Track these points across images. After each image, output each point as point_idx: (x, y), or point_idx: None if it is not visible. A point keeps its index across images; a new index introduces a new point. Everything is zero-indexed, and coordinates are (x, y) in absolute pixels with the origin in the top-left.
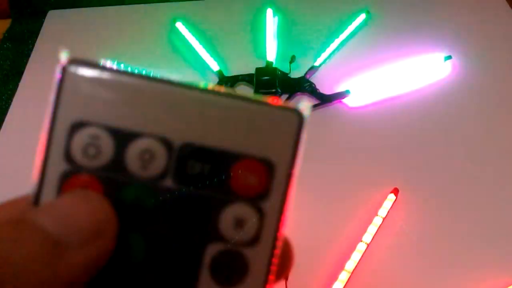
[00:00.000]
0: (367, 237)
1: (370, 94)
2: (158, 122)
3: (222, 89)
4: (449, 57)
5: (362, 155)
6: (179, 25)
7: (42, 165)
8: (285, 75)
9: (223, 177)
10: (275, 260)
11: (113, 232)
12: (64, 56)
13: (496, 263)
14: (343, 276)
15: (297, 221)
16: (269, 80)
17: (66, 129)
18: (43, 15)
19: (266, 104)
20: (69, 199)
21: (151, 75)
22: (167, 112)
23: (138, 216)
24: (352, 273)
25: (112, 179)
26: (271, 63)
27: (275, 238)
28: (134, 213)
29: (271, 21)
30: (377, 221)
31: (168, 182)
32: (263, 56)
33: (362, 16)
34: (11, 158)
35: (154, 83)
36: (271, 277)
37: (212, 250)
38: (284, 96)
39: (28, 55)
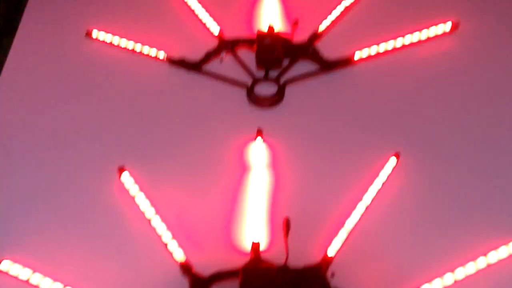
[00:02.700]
0: (367, 198)
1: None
2: None
3: None
4: (454, 23)
5: (365, 120)
6: None
7: None
8: (287, 41)
9: None
10: None
11: None
12: None
13: (495, 225)
14: (343, 234)
15: (300, 182)
16: (271, 45)
17: None
18: None
19: None
20: None
21: None
22: None
23: None
24: (351, 231)
25: None
26: (273, 27)
27: None
28: None
29: None
30: (377, 183)
31: None
32: (265, 20)
33: None
34: (6, 112)
35: None
36: None
37: None
38: (286, 61)
39: (22, 11)
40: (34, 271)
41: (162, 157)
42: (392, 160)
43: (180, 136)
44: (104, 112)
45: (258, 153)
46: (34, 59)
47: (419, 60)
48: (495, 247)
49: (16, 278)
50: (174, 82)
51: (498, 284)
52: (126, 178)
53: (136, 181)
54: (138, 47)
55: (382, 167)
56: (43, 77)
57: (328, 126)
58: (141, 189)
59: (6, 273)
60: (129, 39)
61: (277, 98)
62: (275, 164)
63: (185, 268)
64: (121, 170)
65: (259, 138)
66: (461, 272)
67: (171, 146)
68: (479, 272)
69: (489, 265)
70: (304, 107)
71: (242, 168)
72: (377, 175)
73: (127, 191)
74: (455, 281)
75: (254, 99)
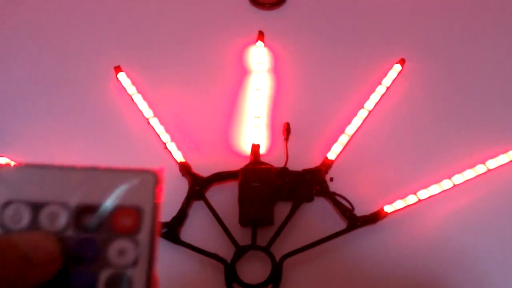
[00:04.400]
0: (369, 104)
1: None
2: (59, 193)
3: (100, 166)
4: None
5: (371, 24)
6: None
7: None
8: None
9: (107, 222)
10: (153, 273)
11: (59, 262)
12: None
13: (496, 134)
14: (343, 139)
15: (302, 87)
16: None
17: (0, 206)
18: None
19: (131, 170)
20: (39, 235)
21: (49, 165)
22: (65, 186)
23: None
24: (351, 136)
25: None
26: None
27: (150, 258)
28: (65, 254)
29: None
30: (380, 89)
31: (70, 232)
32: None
33: None
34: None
35: (53, 170)
36: (152, 285)
37: (105, 274)
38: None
39: None
40: None
41: (160, 59)
42: (397, 67)
43: (179, 38)
44: (103, 10)
45: (259, 56)
46: None
47: None
48: (494, 156)
49: None
50: None
51: (494, 190)
52: (123, 78)
53: (134, 83)
54: None
55: (386, 73)
56: None
57: (332, 29)
58: (139, 91)
59: None
60: None
61: None
62: (276, 68)
63: (184, 167)
64: (117, 69)
65: (260, 41)
66: (459, 179)
67: (170, 48)
68: (477, 178)
69: (487, 172)
70: (308, 8)
71: (242, 72)
72: (380, 81)
73: (124, 90)
74: (454, 185)
75: None
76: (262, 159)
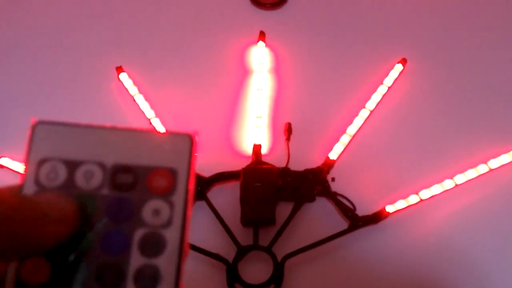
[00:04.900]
0: (371, 104)
1: None
2: (95, 152)
3: (135, 127)
4: None
5: (373, 24)
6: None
7: (20, 187)
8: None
9: (142, 182)
10: (186, 235)
11: (78, 221)
12: (32, 120)
13: (497, 134)
14: (345, 139)
15: (303, 87)
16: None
17: (36, 164)
18: None
19: (167, 132)
20: (55, 195)
21: (85, 124)
22: (101, 146)
23: (85, 215)
24: (353, 136)
25: (67, 193)
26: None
27: (184, 220)
28: (83, 213)
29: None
30: (382, 89)
31: (105, 191)
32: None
33: None
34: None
35: (89, 129)
36: (185, 246)
37: (139, 233)
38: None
39: None
40: None
41: (161, 60)
42: (398, 67)
43: (180, 38)
44: (105, 10)
45: (260, 56)
46: None
47: None
48: (496, 155)
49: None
50: None
51: (496, 190)
52: (125, 78)
53: (136, 83)
54: None
55: (388, 73)
56: None
57: (334, 29)
58: (141, 91)
59: (7, 168)
60: None
61: None
62: (277, 68)
63: None
64: (119, 69)
65: (261, 41)
66: (461, 178)
67: (171, 49)
68: (479, 178)
69: (489, 172)
70: (310, 8)
71: (244, 72)
72: (382, 81)
73: (126, 91)
74: (456, 185)
75: None
76: (264, 159)
